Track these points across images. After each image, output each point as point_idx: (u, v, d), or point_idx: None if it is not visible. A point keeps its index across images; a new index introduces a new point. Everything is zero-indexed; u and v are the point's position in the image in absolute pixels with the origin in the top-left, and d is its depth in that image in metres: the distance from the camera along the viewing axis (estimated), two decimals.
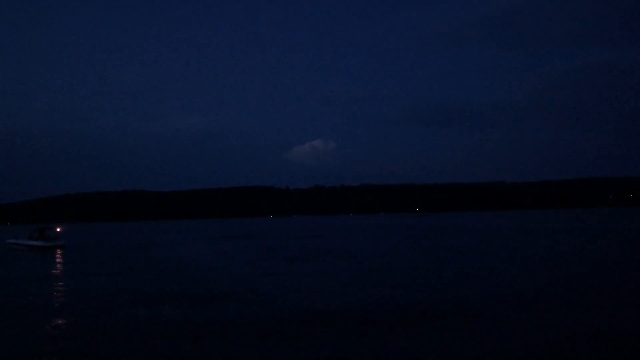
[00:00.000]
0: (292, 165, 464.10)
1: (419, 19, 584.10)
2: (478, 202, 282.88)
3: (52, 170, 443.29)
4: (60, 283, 22.73)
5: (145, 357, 10.59)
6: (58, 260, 35.98)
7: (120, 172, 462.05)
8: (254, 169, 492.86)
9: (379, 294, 17.40)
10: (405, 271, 23.54)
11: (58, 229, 57.19)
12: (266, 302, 16.20)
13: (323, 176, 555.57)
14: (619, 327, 11.95)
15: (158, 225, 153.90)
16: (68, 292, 20.01)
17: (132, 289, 20.16)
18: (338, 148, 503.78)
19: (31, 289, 21.20)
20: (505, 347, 10.59)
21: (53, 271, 28.43)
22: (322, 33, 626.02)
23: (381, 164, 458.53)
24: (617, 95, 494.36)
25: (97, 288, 20.61)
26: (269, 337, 11.79)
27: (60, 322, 14.20)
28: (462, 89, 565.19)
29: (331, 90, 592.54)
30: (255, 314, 14.35)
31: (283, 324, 13.09)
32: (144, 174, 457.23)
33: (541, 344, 10.80)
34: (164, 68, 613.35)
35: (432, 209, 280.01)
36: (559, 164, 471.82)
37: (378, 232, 66.53)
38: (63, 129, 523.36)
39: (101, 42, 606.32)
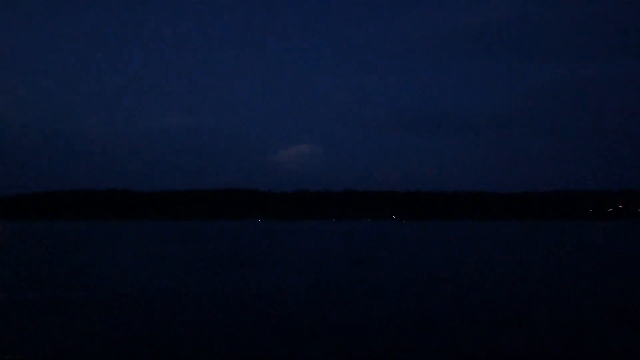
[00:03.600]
0: (277, 168, 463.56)
1: (408, 26, 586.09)
2: (461, 210, 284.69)
3: (34, 167, 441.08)
4: None
5: None
6: None
7: (104, 170, 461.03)
8: (238, 171, 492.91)
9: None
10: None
11: None
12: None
13: (308, 181, 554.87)
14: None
15: (129, 225, 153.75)
16: None
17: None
18: (324, 153, 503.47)
19: None
20: None
21: None
22: (311, 37, 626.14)
23: (366, 170, 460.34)
24: (602, 110, 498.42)
25: None
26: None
27: None
28: (450, 98, 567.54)
29: (319, 95, 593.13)
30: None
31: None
32: (129, 173, 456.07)
33: None
34: (150, 67, 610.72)
35: (414, 217, 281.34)
36: (543, 176, 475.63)
37: (321, 238, 66.85)
38: (46, 126, 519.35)
39: (87, 41, 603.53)
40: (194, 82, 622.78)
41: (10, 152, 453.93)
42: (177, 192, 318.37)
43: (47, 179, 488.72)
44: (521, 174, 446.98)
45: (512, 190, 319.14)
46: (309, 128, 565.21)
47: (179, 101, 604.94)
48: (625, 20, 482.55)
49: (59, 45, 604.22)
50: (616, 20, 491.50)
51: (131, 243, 56.80)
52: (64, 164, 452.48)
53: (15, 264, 31.32)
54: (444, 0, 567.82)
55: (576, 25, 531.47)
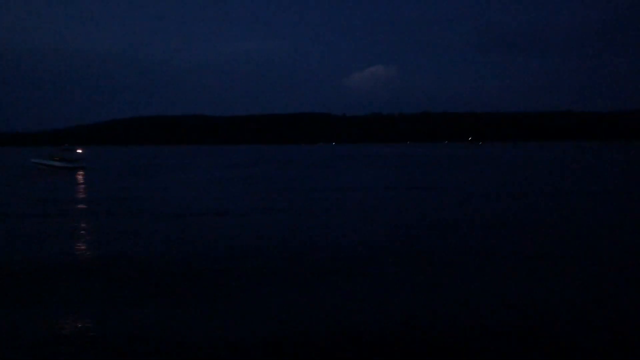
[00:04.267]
0: (351, 91, 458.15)
1: None
2: (541, 131, 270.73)
3: (111, 94, 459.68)
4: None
5: None
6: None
7: (179, 96, 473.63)
8: (313, 96, 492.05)
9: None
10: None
11: (79, 151, 60.71)
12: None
13: (382, 103, 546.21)
14: None
15: (204, 150, 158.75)
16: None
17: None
18: (398, 75, 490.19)
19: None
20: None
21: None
22: None
23: (442, 91, 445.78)
24: None
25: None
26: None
27: None
28: (530, 12, 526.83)
29: (392, 15, 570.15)
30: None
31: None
32: (204, 98, 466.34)
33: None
34: None
35: (492, 139, 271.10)
36: (632, 94, 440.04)
37: (392, 164, 65.82)
38: (119, 53, 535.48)
39: None
40: (268, 7, 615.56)
41: (89, 81, 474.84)
42: (253, 116, 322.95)
43: (124, 106, 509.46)
44: (606, 93, 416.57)
45: (597, 110, 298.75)
46: (383, 50, 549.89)
47: (253, 26, 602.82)
48: None
49: None
50: None
51: (200, 166, 58.57)
52: (141, 92, 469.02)
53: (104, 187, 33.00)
54: None
55: None
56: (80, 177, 42.07)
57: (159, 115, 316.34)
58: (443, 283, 10.25)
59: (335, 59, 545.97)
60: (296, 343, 7.50)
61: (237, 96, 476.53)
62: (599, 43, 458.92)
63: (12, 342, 7.66)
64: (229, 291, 9.87)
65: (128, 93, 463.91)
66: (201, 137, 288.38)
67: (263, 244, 14.02)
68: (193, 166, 60.82)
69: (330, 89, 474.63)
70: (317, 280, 10.57)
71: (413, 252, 12.88)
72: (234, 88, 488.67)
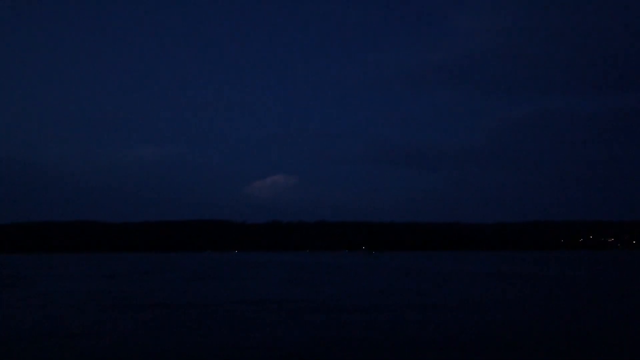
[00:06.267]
0: (252, 199, 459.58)
1: (378, 61, 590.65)
2: (433, 241, 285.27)
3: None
4: None
5: None
6: None
7: (71, 202, 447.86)
8: (212, 203, 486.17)
9: None
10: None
11: None
12: None
13: (282, 212, 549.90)
14: None
15: (84, 258, 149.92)
16: None
17: None
18: (299, 184, 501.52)
19: None
20: None
21: None
22: (285, 69, 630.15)
23: (340, 201, 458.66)
24: (573, 142, 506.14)
25: None
26: None
27: None
28: (423, 130, 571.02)
29: (294, 126, 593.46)
30: None
31: None
32: (97, 204, 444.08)
33: None
34: (123, 97, 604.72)
35: (385, 248, 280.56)
36: (515, 207, 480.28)
37: (266, 271, 65.27)
38: (13, 157, 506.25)
39: (55, 70, 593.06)
40: (167, 112, 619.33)
41: None
42: (149, 223, 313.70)
43: (14, 211, 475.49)
44: (492, 206, 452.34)
45: (483, 222, 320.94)
46: (283, 159, 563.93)
47: (152, 132, 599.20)
48: (589, 55, 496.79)
49: (26, 71, 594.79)
50: (580, 55, 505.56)
51: (60, 277, 54.39)
52: (30, 196, 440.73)
53: None
54: (414, 38, 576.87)
55: (540, 60, 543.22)
56: None
57: (47, 221, 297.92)
58: None
59: (234, 166, 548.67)
60: None
61: (133, 203, 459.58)
62: (480, 160, 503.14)
63: None
64: None
65: (11, 198, 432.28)
66: (88, 244, 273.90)
67: None
68: (47, 278, 56.28)
69: (230, 197, 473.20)
70: None
71: None
72: (129, 194, 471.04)
